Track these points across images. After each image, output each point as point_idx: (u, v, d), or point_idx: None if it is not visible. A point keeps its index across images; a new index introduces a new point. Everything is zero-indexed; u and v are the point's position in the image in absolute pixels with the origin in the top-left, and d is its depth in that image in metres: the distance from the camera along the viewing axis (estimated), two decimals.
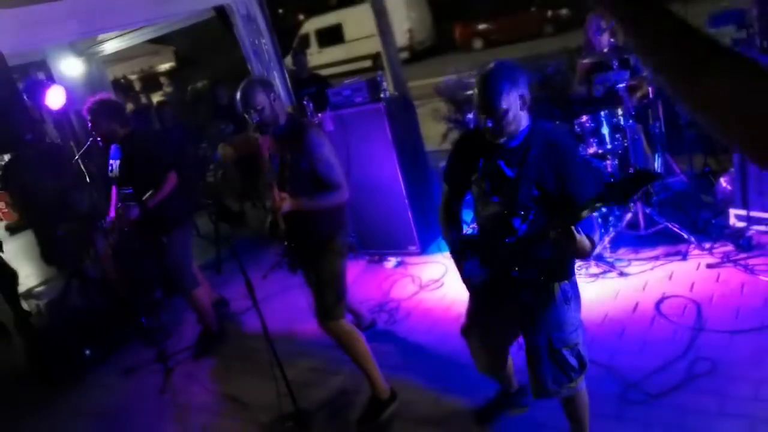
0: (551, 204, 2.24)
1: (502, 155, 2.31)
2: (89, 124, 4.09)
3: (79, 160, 4.74)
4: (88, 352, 4.77)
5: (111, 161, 4.27)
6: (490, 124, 2.22)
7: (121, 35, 7.45)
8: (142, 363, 4.57)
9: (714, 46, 0.78)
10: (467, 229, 2.66)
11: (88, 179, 5.21)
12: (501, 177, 2.32)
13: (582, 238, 2.03)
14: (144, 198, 4.03)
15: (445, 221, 2.61)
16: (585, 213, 1.94)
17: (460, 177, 2.49)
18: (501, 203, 2.33)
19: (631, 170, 1.96)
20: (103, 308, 5.07)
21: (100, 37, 7.51)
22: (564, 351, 2.37)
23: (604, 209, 1.91)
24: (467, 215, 2.60)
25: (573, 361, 2.39)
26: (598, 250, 2.20)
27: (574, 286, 2.43)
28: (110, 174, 4.28)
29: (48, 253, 5.44)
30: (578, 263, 4.19)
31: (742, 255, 3.82)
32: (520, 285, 2.35)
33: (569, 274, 2.39)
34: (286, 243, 3.30)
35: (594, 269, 4.13)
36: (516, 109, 2.20)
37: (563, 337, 2.37)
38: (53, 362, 4.67)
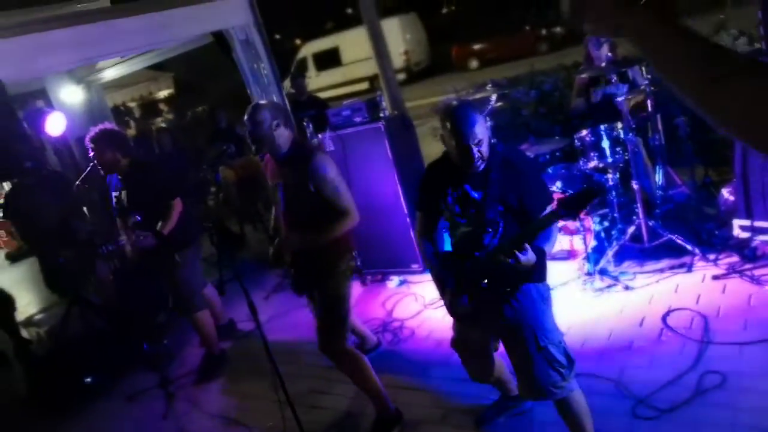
0: (516, 216, 2.50)
1: (468, 180, 2.57)
2: (92, 153, 4.09)
3: (80, 187, 4.74)
4: (89, 379, 4.72)
5: (116, 193, 4.27)
6: (464, 154, 2.46)
7: (120, 62, 7.52)
8: (144, 389, 4.51)
9: (732, 57, 0.80)
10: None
11: (88, 205, 5.23)
12: (468, 200, 2.57)
13: (528, 258, 2.26)
14: (158, 228, 4.03)
15: (423, 244, 2.81)
16: (540, 229, 2.28)
17: (433, 204, 2.73)
18: (471, 223, 2.58)
19: (581, 186, 2.17)
20: (104, 334, 5.02)
21: (100, 64, 7.58)
22: (550, 347, 2.48)
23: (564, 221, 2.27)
24: (447, 246, 2.75)
25: (561, 357, 2.49)
26: (549, 256, 2.50)
27: (548, 288, 2.62)
28: (116, 205, 4.27)
29: (50, 279, 5.42)
30: (581, 278, 4.19)
31: (748, 265, 3.79)
32: (494, 294, 2.51)
33: (543, 276, 2.54)
34: (292, 263, 3.28)
35: (599, 283, 4.10)
36: (487, 137, 2.50)
37: (547, 334, 2.50)
38: (54, 390, 4.62)
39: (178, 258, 4.20)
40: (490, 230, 2.51)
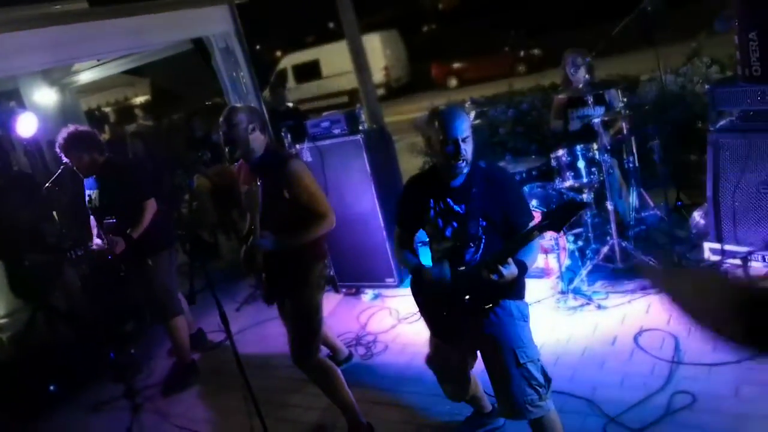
0: (498, 231, 2.52)
1: (450, 194, 2.57)
2: (66, 158, 4.00)
3: (50, 188, 4.63)
4: (53, 387, 4.58)
5: (88, 191, 4.18)
6: (450, 150, 2.45)
7: (96, 65, 7.40)
8: (110, 399, 4.39)
9: None
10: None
11: (58, 208, 5.10)
12: (451, 214, 2.57)
13: (510, 271, 2.30)
14: (128, 231, 3.96)
15: (402, 256, 2.82)
16: (524, 243, 2.29)
17: (413, 218, 2.73)
18: (453, 237, 2.57)
19: (563, 200, 2.20)
20: (70, 342, 4.89)
21: (75, 66, 7.46)
22: (529, 365, 2.47)
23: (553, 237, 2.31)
24: (425, 258, 2.73)
25: (538, 376, 2.48)
26: (531, 269, 2.51)
27: (527, 306, 2.63)
28: (89, 205, 4.18)
29: (15, 284, 5.26)
30: (555, 296, 4.21)
31: None
32: (475, 310, 2.50)
33: (522, 293, 2.60)
34: (262, 274, 3.23)
35: (572, 302, 4.13)
36: (471, 141, 2.49)
37: (527, 351, 2.48)
38: (16, 398, 4.47)
39: (150, 262, 4.12)
40: (472, 245, 2.51)
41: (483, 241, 2.51)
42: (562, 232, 2.27)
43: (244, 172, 3.33)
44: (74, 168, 4.06)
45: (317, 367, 3.23)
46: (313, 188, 3.08)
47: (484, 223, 2.50)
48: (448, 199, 2.57)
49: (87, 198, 4.20)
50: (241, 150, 3.10)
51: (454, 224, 2.56)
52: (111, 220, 4.01)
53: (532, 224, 2.41)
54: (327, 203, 3.14)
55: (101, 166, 4.09)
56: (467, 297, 2.47)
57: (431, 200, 2.62)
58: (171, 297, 4.31)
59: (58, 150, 4.02)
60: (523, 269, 2.39)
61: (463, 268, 2.51)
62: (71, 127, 4.11)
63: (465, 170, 2.53)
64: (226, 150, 3.15)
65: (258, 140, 3.12)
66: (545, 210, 4.22)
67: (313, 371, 3.24)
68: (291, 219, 3.07)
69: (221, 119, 3.10)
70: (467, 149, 2.48)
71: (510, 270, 2.30)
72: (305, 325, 3.17)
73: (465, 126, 2.48)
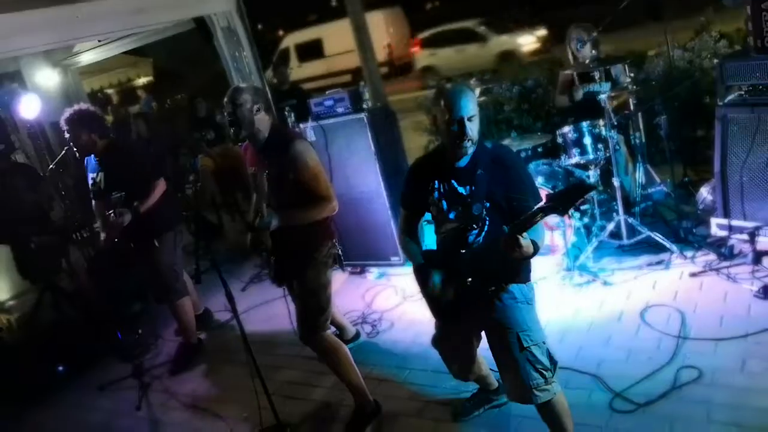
0: (502, 213, 2.48)
1: (454, 175, 2.55)
2: (67, 135, 3.98)
3: (54, 171, 4.63)
4: (60, 368, 4.62)
5: (91, 174, 4.17)
6: (456, 129, 2.43)
7: (98, 46, 7.35)
8: (118, 379, 4.42)
9: None
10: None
11: (63, 190, 5.11)
12: (455, 195, 2.56)
13: (527, 243, 2.23)
14: (135, 205, 3.94)
15: (405, 240, 2.80)
16: (530, 224, 2.19)
17: (418, 200, 2.71)
18: (457, 219, 2.56)
19: (570, 182, 2.12)
20: (77, 322, 4.92)
21: (77, 47, 7.41)
22: (533, 348, 2.44)
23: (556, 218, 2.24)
24: (429, 238, 2.72)
25: (544, 359, 2.46)
26: (542, 250, 2.44)
27: (532, 289, 2.61)
28: (92, 187, 4.17)
29: (22, 266, 5.29)
30: (560, 273, 4.21)
31: (724, 263, 3.84)
32: (478, 293, 2.49)
33: (527, 277, 2.58)
34: (270, 257, 3.23)
35: (578, 279, 4.12)
36: (477, 120, 2.46)
37: (531, 335, 2.46)
38: (25, 378, 4.51)
39: (156, 242, 4.13)
40: (476, 227, 2.49)
41: (486, 223, 2.49)
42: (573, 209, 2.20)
43: (249, 153, 3.31)
44: (71, 144, 4.02)
45: (325, 344, 3.24)
46: (316, 170, 3.06)
47: (488, 205, 2.48)
48: (453, 181, 2.55)
49: (91, 181, 4.19)
50: (247, 130, 3.08)
51: (459, 206, 2.54)
52: (119, 194, 3.96)
53: (538, 206, 2.34)
54: (330, 188, 3.12)
55: (105, 148, 4.07)
56: (470, 280, 2.46)
57: (436, 181, 2.60)
58: (176, 278, 4.32)
59: (62, 122, 3.98)
60: (535, 248, 2.33)
61: (465, 250, 2.48)
62: (77, 106, 4.09)
63: (470, 150, 2.50)
64: (231, 131, 3.12)
65: (263, 121, 3.09)
66: (551, 190, 4.20)
67: (320, 348, 3.26)
68: (296, 200, 3.06)
69: (225, 99, 3.07)
70: (473, 128, 2.45)
71: (527, 242, 2.23)
72: (312, 302, 3.18)
73: (471, 105, 2.44)
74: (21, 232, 5.23)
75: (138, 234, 4.02)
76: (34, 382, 4.54)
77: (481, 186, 2.47)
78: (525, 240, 2.22)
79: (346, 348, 3.31)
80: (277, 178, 3.07)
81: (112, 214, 3.88)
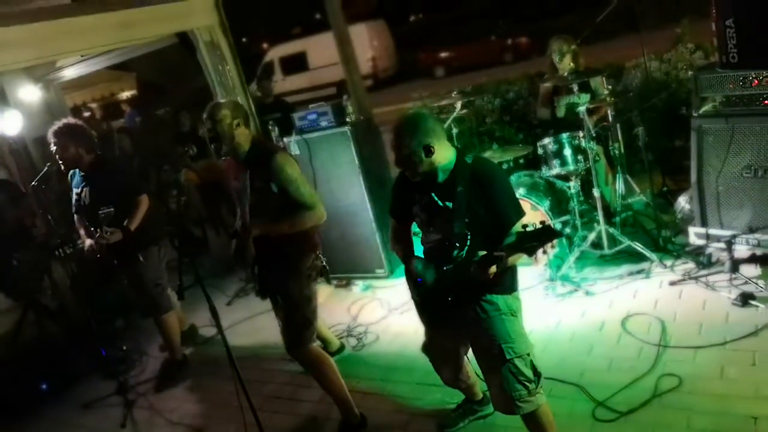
0: (484, 227, 2.47)
1: (434, 189, 2.56)
2: (54, 147, 3.96)
3: (36, 187, 4.60)
4: (44, 385, 4.58)
5: (75, 190, 4.15)
6: (400, 166, 2.52)
7: (80, 61, 7.33)
8: (102, 396, 4.39)
9: None
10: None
11: (45, 206, 5.07)
12: (435, 209, 2.57)
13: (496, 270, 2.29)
14: (125, 224, 3.93)
15: (396, 246, 2.83)
16: (495, 262, 2.26)
17: (403, 210, 2.74)
18: (438, 233, 2.57)
19: (540, 226, 2.16)
20: (60, 339, 4.88)
21: (59, 62, 7.38)
22: (516, 360, 2.46)
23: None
24: (417, 249, 2.76)
25: (527, 371, 2.48)
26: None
27: (518, 300, 2.62)
28: (75, 202, 4.14)
29: (4, 283, 5.24)
30: (543, 283, 4.25)
31: (703, 272, 3.90)
32: (463, 305, 2.51)
33: (513, 288, 2.59)
34: (254, 267, 3.24)
35: (561, 289, 4.17)
36: (420, 154, 2.45)
37: (514, 347, 2.47)
38: (8, 396, 4.46)
39: (141, 257, 4.11)
40: (458, 244, 2.50)
41: (469, 238, 2.49)
42: (537, 253, 2.23)
43: (232, 167, 3.33)
44: (58, 159, 3.99)
45: (311, 357, 3.25)
46: (299, 181, 3.08)
47: (470, 221, 2.48)
48: (433, 194, 2.56)
49: (75, 196, 4.16)
50: (227, 146, 3.10)
51: (439, 219, 2.56)
52: (108, 209, 3.91)
53: (518, 226, 2.40)
54: (315, 196, 3.14)
55: (91, 163, 4.05)
56: (450, 298, 2.48)
57: (416, 194, 2.63)
58: (161, 293, 4.31)
59: (49, 135, 3.96)
60: (512, 272, 2.41)
61: (449, 266, 2.48)
62: (66, 119, 4.09)
63: (420, 177, 2.53)
64: (212, 146, 3.15)
65: (243, 135, 3.12)
66: (534, 202, 4.25)
67: (306, 361, 3.26)
68: (280, 212, 3.07)
69: (205, 116, 3.10)
70: (416, 163, 2.46)
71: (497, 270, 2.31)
72: (298, 315, 3.19)
73: (413, 140, 2.43)
74: (3, 248, 5.18)
75: (122, 249, 4.00)
76: (18, 399, 4.49)
77: (461, 203, 2.47)
78: (494, 269, 2.28)
79: (332, 360, 3.32)
80: (260, 190, 3.08)
81: (100, 234, 3.86)
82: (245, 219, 3.09)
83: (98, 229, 3.87)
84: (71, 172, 4.17)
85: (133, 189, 4.11)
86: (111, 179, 4.04)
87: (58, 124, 3.98)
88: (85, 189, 4.09)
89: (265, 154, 3.09)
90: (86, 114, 14.86)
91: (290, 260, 3.18)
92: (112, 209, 3.90)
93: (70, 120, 4.08)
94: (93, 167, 4.06)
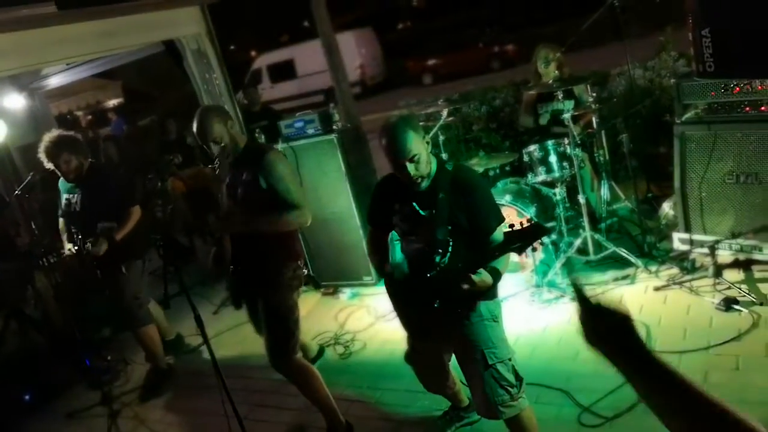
0: (465, 235, 2.49)
1: (415, 198, 2.55)
2: (51, 161, 3.93)
3: (19, 197, 4.56)
4: (27, 396, 4.52)
5: (66, 196, 4.12)
6: (400, 171, 2.48)
7: (66, 69, 7.29)
8: (86, 406, 4.34)
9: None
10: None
11: (29, 215, 5.03)
12: (417, 218, 2.56)
13: (481, 279, 2.31)
14: (111, 233, 3.90)
15: (373, 255, 2.85)
16: (485, 262, 2.30)
17: (382, 218, 2.73)
18: (420, 240, 2.56)
19: (527, 223, 2.18)
20: (43, 349, 4.82)
21: (44, 70, 7.33)
22: (498, 366, 2.48)
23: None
24: (398, 254, 2.76)
25: (509, 376, 2.50)
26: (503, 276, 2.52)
27: (499, 306, 2.63)
28: (65, 209, 4.11)
29: None
30: (529, 289, 4.27)
31: (687, 277, 3.94)
32: (445, 312, 2.50)
33: (494, 293, 2.59)
34: (232, 272, 3.20)
35: (547, 295, 4.18)
36: (425, 151, 2.47)
37: (496, 352, 2.50)
38: None
39: (124, 269, 4.08)
40: (440, 250, 2.50)
41: (450, 245, 2.49)
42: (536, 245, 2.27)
43: (221, 171, 3.30)
44: (60, 171, 3.98)
45: (294, 367, 3.23)
46: (289, 179, 3.07)
47: (451, 228, 2.49)
48: (414, 203, 2.56)
49: (65, 202, 4.13)
50: (226, 146, 3.07)
51: (420, 227, 2.56)
52: (110, 224, 3.90)
53: (499, 232, 2.45)
54: (303, 198, 3.12)
55: (86, 171, 4.05)
56: (436, 303, 2.47)
57: (397, 203, 2.62)
58: (140, 306, 4.28)
59: (42, 153, 3.93)
60: (496, 276, 2.39)
61: (432, 273, 2.49)
62: (58, 131, 4.07)
63: (425, 183, 2.53)
64: (206, 148, 3.11)
65: (238, 135, 3.14)
66: (510, 229, 4.26)
67: (290, 372, 3.24)
68: (265, 209, 3.04)
69: (195, 120, 3.08)
70: (420, 166, 2.45)
71: (482, 277, 2.31)
72: (280, 326, 3.16)
73: (410, 146, 2.41)
74: None
75: (106, 260, 3.97)
76: (1, 410, 4.43)
77: (442, 210, 2.48)
78: (479, 276, 2.29)
79: (315, 370, 3.31)
80: (249, 185, 3.05)
81: (89, 244, 3.83)
82: (229, 211, 3.04)
83: (84, 239, 3.84)
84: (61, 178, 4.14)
85: (126, 199, 4.10)
86: (104, 187, 4.04)
87: (53, 137, 3.94)
88: (76, 195, 4.07)
89: (258, 151, 3.10)
90: (72, 122, 14.77)
91: (271, 268, 3.15)
92: (114, 224, 3.91)
93: (63, 131, 4.07)
94: (88, 174, 4.06)
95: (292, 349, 3.21)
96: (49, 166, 3.99)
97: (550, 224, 4.50)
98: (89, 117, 17.23)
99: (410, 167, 2.43)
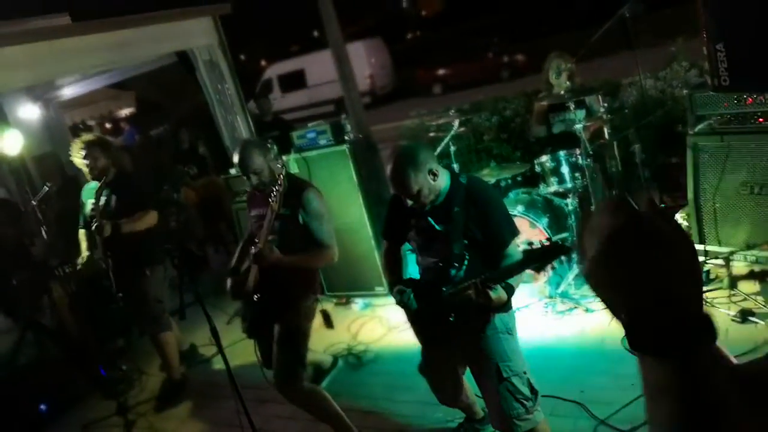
0: (481, 247, 2.51)
1: (430, 213, 2.58)
2: (85, 158, 4.05)
3: (36, 207, 4.61)
4: (43, 406, 4.54)
5: (91, 200, 4.16)
6: (411, 202, 2.54)
7: (80, 80, 7.38)
8: (102, 417, 4.36)
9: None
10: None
11: (44, 225, 5.08)
12: (432, 232, 2.58)
13: (497, 296, 2.32)
14: (119, 222, 3.99)
15: (386, 268, 2.88)
16: (508, 276, 2.32)
17: (397, 233, 2.78)
18: (436, 254, 2.59)
19: (546, 242, 2.19)
20: (59, 360, 4.85)
21: (58, 81, 7.42)
22: (513, 379, 2.47)
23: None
24: (412, 267, 2.78)
25: (524, 389, 2.49)
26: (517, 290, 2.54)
27: (513, 318, 2.63)
28: (90, 212, 4.15)
29: (3, 303, 5.22)
30: (542, 301, 4.26)
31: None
32: (460, 328, 2.51)
33: (508, 306, 2.58)
34: (254, 298, 3.23)
35: (561, 306, 4.17)
36: (428, 183, 2.48)
37: (511, 365, 2.49)
38: (7, 419, 4.43)
39: (148, 272, 4.17)
40: (456, 264, 2.51)
41: (466, 258, 2.51)
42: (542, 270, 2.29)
43: (256, 197, 3.35)
44: (87, 167, 4.08)
45: (303, 394, 3.23)
46: (325, 218, 3.17)
47: (467, 242, 2.51)
48: (429, 218, 2.58)
49: (91, 206, 4.18)
50: (269, 184, 3.14)
51: (435, 242, 2.58)
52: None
53: (513, 246, 2.47)
54: (333, 237, 3.20)
55: (115, 175, 4.18)
56: (451, 317, 2.49)
57: (411, 219, 2.64)
58: (162, 311, 4.34)
59: (75, 147, 4.09)
60: (510, 291, 2.41)
61: (448, 287, 2.49)
62: (89, 134, 4.29)
63: (439, 198, 2.55)
64: (249, 178, 3.18)
65: (275, 166, 3.24)
66: (532, 219, 4.27)
67: (298, 398, 3.24)
68: (298, 244, 3.13)
69: (237, 152, 3.17)
70: (423, 198, 2.50)
71: (498, 294, 2.33)
72: (291, 351, 3.18)
73: (411, 184, 2.45)
74: (1, 268, 5.17)
75: (130, 260, 4.07)
76: (17, 422, 4.45)
77: (458, 224, 2.50)
78: (495, 293, 2.30)
79: (322, 391, 3.32)
80: (287, 219, 3.11)
81: (95, 226, 3.93)
82: (263, 246, 3.06)
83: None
84: (86, 186, 4.24)
85: (144, 201, 4.21)
86: (132, 191, 4.20)
87: (91, 134, 4.19)
88: (103, 198, 4.13)
89: (297, 186, 3.18)
90: (85, 132, 14.89)
91: (292, 299, 3.20)
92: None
93: (95, 134, 4.20)
94: (116, 178, 4.17)
95: (301, 375, 3.22)
96: (78, 159, 4.09)
97: (561, 235, 4.50)
98: (105, 126, 17.36)
99: (414, 199, 2.51)
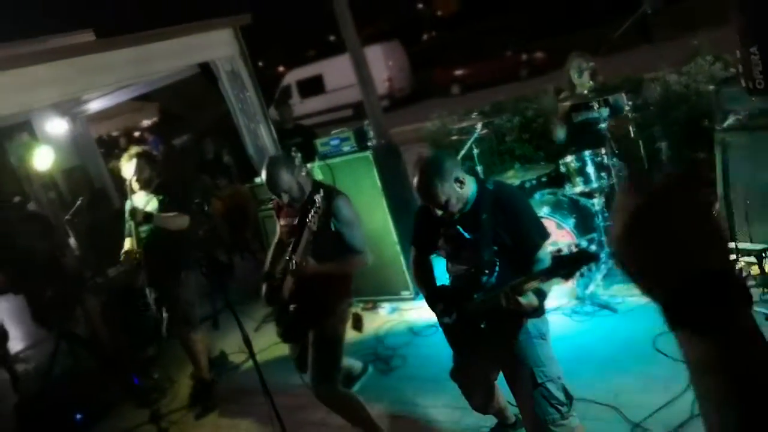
0: (511, 253, 2.50)
1: (459, 221, 2.58)
2: (133, 164, 4.27)
3: (69, 221, 4.71)
4: (79, 415, 4.63)
5: (130, 207, 4.29)
6: (440, 212, 2.54)
7: (105, 94, 7.52)
8: (136, 425, 4.43)
9: None
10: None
11: (77, 238, 5.19)
12: (461, 240, 2.58)
13: (528, 302, 2.30)
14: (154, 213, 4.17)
15: (418, 277, 2.89)
16: (531, 286, 2.28)
17: (426, 241, 2.78)
18: (466, 262, 2.60)
19: (575, 249, 2.18)
20: (93, 369, 4.95)
21: (84, 96, 7.57)
22: (548, 384, 2.45)
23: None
24: (441, 268, 2.79)
25: (559, 394, 2.47)
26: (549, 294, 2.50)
27: (546, 322, 2.62)
28: (130, 219, 4.30)
29: (37, 314, 5.35)
30: (573, 302, 4.23)
31: None
32: (493, 331, 2.50)
33: (541, 311, 2.52)
34: (292, 310, 3.26)
35: (589, 308, 4.14)
36: (455, 192, 2.48)
37: (545, 370, 2.47)
38: (43, 427, 4.53)
39: (183, 275, 4.29)
40: (487, 271, 2.51)
41: (497, 265, 2.51)
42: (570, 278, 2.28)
43: (282, 207, 3.39)
44: (135, 177, 4.27)
45: (338, 396, 3.27)
46: (356, 224, 3.20)
47: (497, 248, 2.51)
48: (458, 226, 2.59)
49: (129, 213, 4.29)
50: (297, 194, 3.19)
51: (465, 250, 2.58)
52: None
53: (544, 249, 2.47)
54: (365, 242, 3.24)
55: (157, 185, 4.38)
56: (483, 324, 2.49)
57: (440, 228, 2.65)
58: (194, 312, 4.45)
59: (125, 158, 4.32)
60: (542, 297, 2.39)
61: (479, 294, 2.50)
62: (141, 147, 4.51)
63: (458, 208, 2.54)
64: (280, 196, 3.21)
65: (304, 180, 3.25)
66: (556, 255, 4.23)
67: (334, 400, 3.28)
68: (332, 251, 3.16)
69: (264, 171, 3.20)
70: (453, 204, 2.50)
71: (529, 300, 2.31)
72: (328, 353, 3.22)
73: (439, 191, 2.44)
74: (34, 280, 5.30)
75: (165, 262, 4.21)
76: (54, 430, 4.55)
77: (487, 231, 2.50)
78: (526, 299, 2.29)
79: (356, 396, 3.35)
80: (320, 228, 3.10)
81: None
82: (300, 258, 3.08)
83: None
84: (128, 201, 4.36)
85: (181, 207, 4.33)
86: (171, 198, 4.33)
87: (135, 149, 4.44)
88: (143, 206, 4.29)
89: (327, 194, 3.18)
90: (110, 144, 15.16)
91: (329, 303, 3.24)
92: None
93: (143, 147, 4.35)
94: (159, 188, 4.36)
95: (337, 378, 3.26)
96: (126, 168, 4.30)
97: (589, 235, 4.47)
98: (132, 136, 17.62)
99: (442, 208, 2.51)
